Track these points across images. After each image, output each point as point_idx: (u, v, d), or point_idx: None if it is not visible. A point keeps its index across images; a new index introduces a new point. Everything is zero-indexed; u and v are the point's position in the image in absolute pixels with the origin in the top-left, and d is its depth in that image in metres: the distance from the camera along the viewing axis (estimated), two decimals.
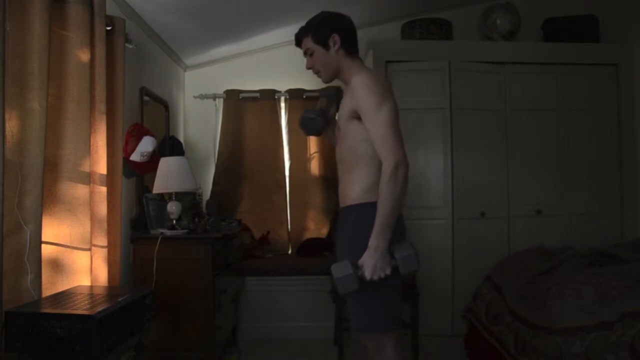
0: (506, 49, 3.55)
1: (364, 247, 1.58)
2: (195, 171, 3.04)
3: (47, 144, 1.78)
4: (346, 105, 1.68)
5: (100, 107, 2.15)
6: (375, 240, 1.54)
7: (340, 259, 1.73)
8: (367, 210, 1.63)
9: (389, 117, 1.58)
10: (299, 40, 1.79)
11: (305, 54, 1.79)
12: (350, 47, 1.74)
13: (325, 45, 1.72)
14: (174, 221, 2.69)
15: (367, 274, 1.53)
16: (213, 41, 3.71)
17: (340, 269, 1.55)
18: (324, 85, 3.87)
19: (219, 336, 2.62)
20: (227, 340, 3.00)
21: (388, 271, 1.54)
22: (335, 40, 1.71)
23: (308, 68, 1.80)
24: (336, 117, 1.84)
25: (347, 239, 1.68)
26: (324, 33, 1.71)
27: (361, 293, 1.60)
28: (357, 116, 1.64)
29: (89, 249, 1.98)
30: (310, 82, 3.91)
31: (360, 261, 1.56)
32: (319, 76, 1.80)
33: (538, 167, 3.48)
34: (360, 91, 1.61)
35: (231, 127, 3.97)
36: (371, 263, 1.53)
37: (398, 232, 1.70)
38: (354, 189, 1.68)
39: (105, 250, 2.15)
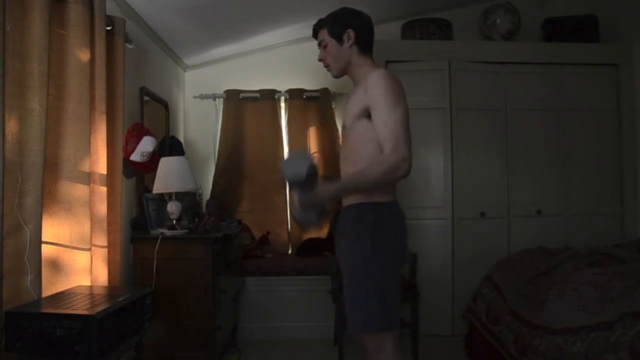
0: (506, 49, 3.55)
1: (363, 248, 1.58)
2: (195, 171, 3.04)
3: (47, 144, 1.78)
4: (357, 103, 1.67)
5: (100, 107, 2.15)
6: (330, 190, 1.62)
7: (341, 259, 1.73)
8: (366, 210, 1.63)
9: (402, 117, 1.58)
10: (315, 32, 1.81)
11: (319, 45, 1.80)
12: (364, 46, 1.76)
13: (339, 40, 1.74)
14: (174, 221, 2.69)
15: (296, 200, 1.62)
16: (213, 41, 3.71)
17: (297, 165, 1.60)
18: (323, 86, 3.91)
19: (219, 336, 2.62)
20: (227, 340, 3.00)
21: (296, 214, 1.64)
22: (349, 35, 1.73)
23: (320, 60, 1.82)
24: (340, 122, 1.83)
25: (346, 239, 1.68)
26: (339, 27, 1.73)
27: (358, 293, 1.60)
28: (366, 114, 1.63)
29: (89, 249, 1.98)
30: (310, 82, 3.92)
31: (313, 192, 1.61)
32: (329, 70, 1.81)
33: (538, 167, 3.48)
34: (379, 87, 1.59)
35: (231, 127, 3.97)
36: (306, 200, 1.60)
37: (401, 232, 1.70)
38: None
39: (105, 250, 2.15)
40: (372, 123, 1.61)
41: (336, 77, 1.82)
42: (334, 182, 1.66)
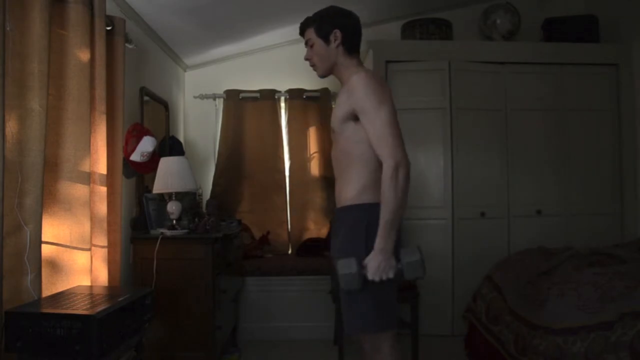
0: (506, 49, 3.55)
1: (356, 249, 1.59)
2: (195, 171, 3.04)
3: (47, 144, 1.78)
4: (342, 106, 1.67)
5: (100, 107, 2.15)
6: (381, 243, 1.54)
7: (336, 260, 1.73)
8: (360, 211, 1.63)
9: (388, 116, 1.58)
10: (302, 30, 1.80)
11: (306, 44, 1.79)
12: (350, 46, 1.74)
13: (326, 40, 1.73)
14: (174, 221, 2.69)
15: (370, 275, 1.53)
16: (213, 41, 3.71)
17: (345, 266, 1.54)
18: (323, 86, 3.91)
19: (219, 336, 2.62)
20: (227, 340, 3.00)
21: (391, 274, 1.53)
22: (336, 36, 1.72)
23: (306, 59, 1.81)
24: (331, 124, 1.80)
25: (340, 240, 1.68)
26: (326, 27, 1.72)
27: (354, 294, 1.60)
28: (353, 117, 1.63)
29: (89, 249, 1.98)
30: (310, 82, 3.92)
31: (365, 261, 1.55)
32: (315, 69, 1.81)
33: (538, 167, 3.48)
34: (359, 90, 1.60)
35: (231, 127, 3.97)
36: (375, 264, 1.53)
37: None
38: (348, 190, 1.68)
39: (105, 250, 2.15)
40: (361, 125, 1.62)
41: (322, 77, 1.82)
42: (375, 243, 1.55)
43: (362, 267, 1.55)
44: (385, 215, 1.54)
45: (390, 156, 1.54)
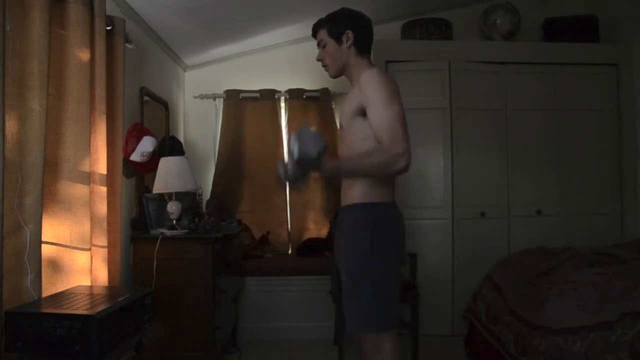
0: (506, 49, 3.55)
1: (362, 247, 1.59)
2: (195, 171, 3.04)
3: (47, 144, 1.78)
4: (351, 102, 1.68)
5: (100, 107, 2.15)
6: (332, 169, 1.57)
7: (339, 259, 1.73)
8: (365, 211, 1.63)
9: (399, 112, 1.57)
10: (315, 31, 1.82)
11: (318, 45, 1.81)
12: (362, 47, 1.76)
13: (338, 40, 1.75)
14: (174, 221, 2.69)
15: (295, 154, 1.46)
16: (213, 41, 3.71)
17: (315, 139, 1.46)
18: (323, 86, 3.91)
19: (219, 336, 2.62)
20: (227, 340, 3.00)
21: (300, 181, 1.52)
22: (348, 36, 1.74)
23: (318, 59, 1.83)
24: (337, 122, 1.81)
25: (345, 240, 1.68)
26: (339, 28, 1.74)
27: (357, 293, 1.60)
28: (362, 113, 1.63)
29: (89, 249, 1.98)
30: (310, 82, 3.92)
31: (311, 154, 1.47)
32: (326, 70, 1.83)
33: (538, 167, 3.48)
34: (370, 86, 1.59)
35: (231, 127, 3.97)
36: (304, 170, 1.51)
37: (399, 233, 1.70)
38: (353, 189, 1.68)
39: (105, 250, 2.15)
40: (368, 121, 1.61)
41: (333, 77, 1.83)
42: (334, 160, 1.63)
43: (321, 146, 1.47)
44: (356, 162, 1.57)
45: (399, 144, 1.50)
